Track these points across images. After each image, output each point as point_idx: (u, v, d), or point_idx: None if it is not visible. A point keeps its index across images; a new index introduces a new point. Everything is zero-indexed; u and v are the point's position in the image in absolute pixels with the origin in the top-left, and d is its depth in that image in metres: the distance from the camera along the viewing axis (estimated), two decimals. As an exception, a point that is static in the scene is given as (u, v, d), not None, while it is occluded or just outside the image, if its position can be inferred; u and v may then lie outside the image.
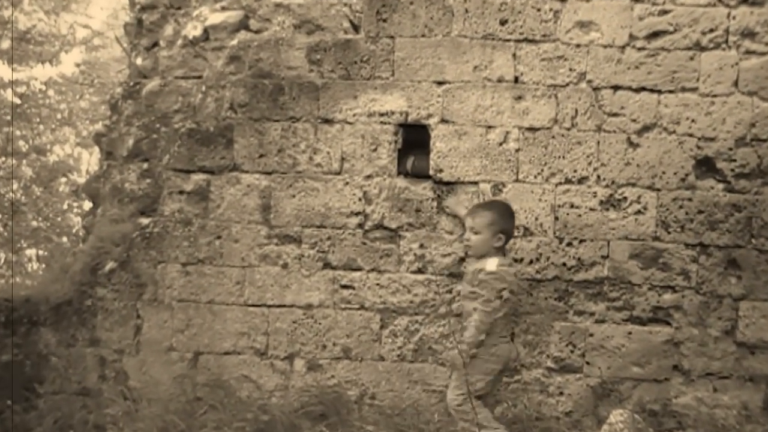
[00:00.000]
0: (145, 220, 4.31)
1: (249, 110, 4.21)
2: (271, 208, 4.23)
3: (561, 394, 4.09)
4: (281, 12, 4.13)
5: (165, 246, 4.29)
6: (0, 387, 4.11)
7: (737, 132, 3.97)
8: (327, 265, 4.21)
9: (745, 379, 3.96)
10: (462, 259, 4.09)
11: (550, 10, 3.98)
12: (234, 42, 4.22)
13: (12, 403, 4.07)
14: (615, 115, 4.05)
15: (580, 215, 4.05)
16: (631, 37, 4.02)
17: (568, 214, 4.07)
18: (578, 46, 4.03)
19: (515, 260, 3.98)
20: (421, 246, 4.14)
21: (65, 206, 11.18)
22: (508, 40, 4.03)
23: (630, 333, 4.06)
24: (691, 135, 4.02)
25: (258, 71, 4.21)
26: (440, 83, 4.10)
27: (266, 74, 4.21)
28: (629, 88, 4.02)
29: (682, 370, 4.06)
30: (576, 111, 4.04)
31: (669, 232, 4.02)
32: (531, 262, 4.07)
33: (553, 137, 4.05)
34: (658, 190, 4.03)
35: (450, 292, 4.13)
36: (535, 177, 4.07)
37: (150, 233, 4.31)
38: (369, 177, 4.17)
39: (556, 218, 4.05)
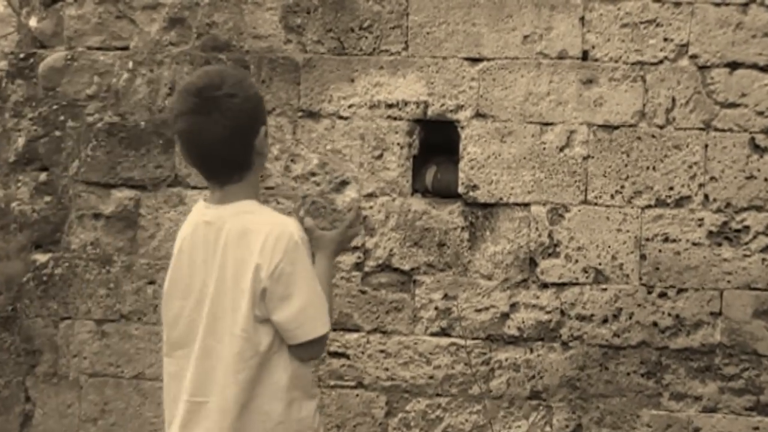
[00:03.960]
0: (42, 257, 4.09)
1: (198, 98, 3.88)
2: (228, 240, 3.85)
3: None
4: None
5: (71, 295, 4.06)
6: None
7: None
8: (309, 324, 3.85)
9: None
10: (505, 315, 3.83)
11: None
12: (176, -2, 4.11)
13: None
14: (732, 105, 3.74)
15: (678, 253, 3.79)
16: (759, -12, 3.75)
17: (660, 250, 3.80)
18: (677, 4, 3.75)
19: (579, 317, 3.82)
20: (447, 296, 3.90)
21: None
22: (574, -3, 3.86)
23: (757, 429, 3.73)
24: None
25: (211, 41, 4.02)
26: (475, 60, 3.86)
27: (223, 46, 4.02)
28: (754, 66, 3.70)
29: (837, 487, 3.75)
30: (673, 100, 3.75)
31: (815, 279, 3.77)
32: (605, 320, 3.78)
33: (639, 139, 3.77)
34: (798, 216, 3.79)
35: (487, 363, 3.85)
36: (613, 197, 3.80)
37: (49, 276, 4.07)
38: (371, 196, 3.94)
39: (643, 257, 3.77)
